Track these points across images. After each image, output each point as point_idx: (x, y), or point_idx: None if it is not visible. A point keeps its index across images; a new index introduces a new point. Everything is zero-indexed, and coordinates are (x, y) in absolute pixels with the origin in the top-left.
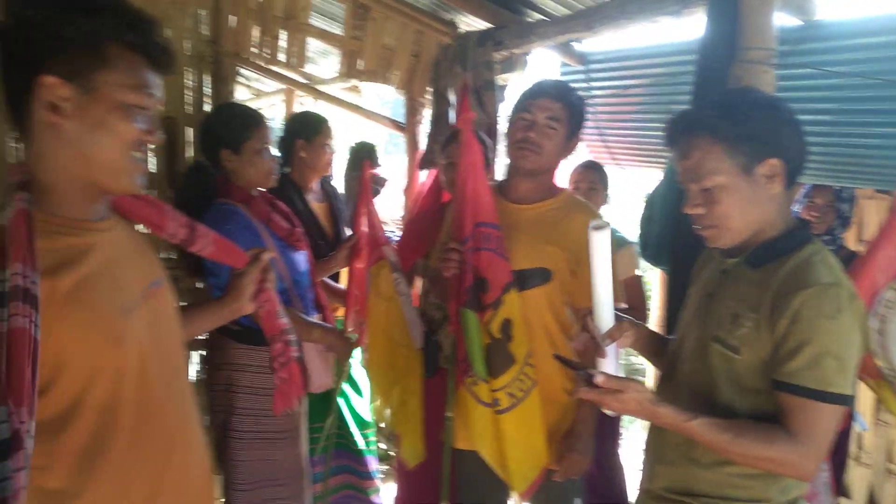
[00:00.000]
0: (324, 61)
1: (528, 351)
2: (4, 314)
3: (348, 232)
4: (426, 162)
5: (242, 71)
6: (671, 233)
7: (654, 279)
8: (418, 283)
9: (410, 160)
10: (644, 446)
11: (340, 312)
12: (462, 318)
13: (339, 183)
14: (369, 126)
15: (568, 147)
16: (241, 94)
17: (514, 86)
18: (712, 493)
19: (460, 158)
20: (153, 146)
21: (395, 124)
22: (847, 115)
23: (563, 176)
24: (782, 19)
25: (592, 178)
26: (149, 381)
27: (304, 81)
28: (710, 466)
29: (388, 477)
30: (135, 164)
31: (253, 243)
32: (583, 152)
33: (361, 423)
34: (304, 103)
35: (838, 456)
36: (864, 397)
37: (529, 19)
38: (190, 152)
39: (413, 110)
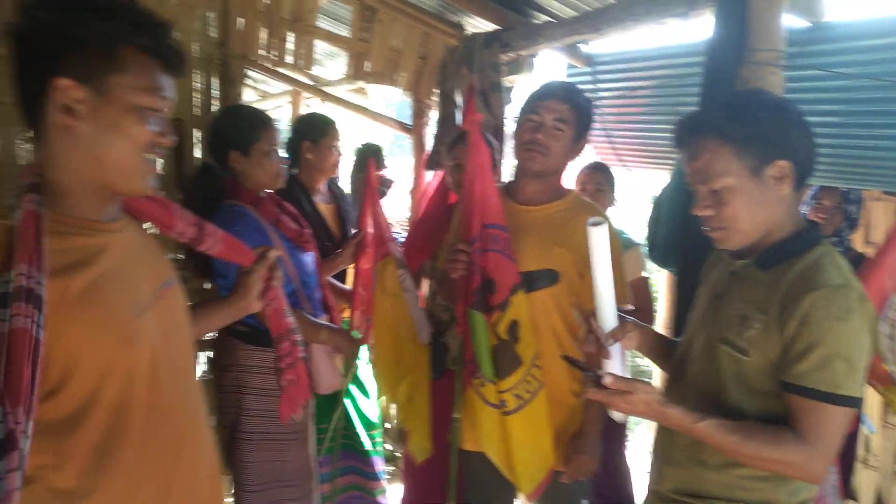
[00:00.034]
0: (330, 63)
1: (535, 352)
2: (6, 314)
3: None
4: (432, 163)
5: (249, 73)
6: (679, 234)
7: (660, 281)
8: (425, 285)
9: (417, 162)
10: (652, 448)
11: (347, 313)
12: (469, 319)
13: (345, 184)
14: (374, 128)
15: (575, 148)
16: (247, 96)
17: (520, 87)
18: (721, 495)
19: (468, 160)
20: (165, 148)
21: (402, 126)
22: (855, 116)
23: (569, 177)
24: (790, 21)
25: (599, 179)
26: (159, 382)
27: (311, 83)
28: (719, 468)
29: (394, 478)
30: (147, 166)
31: (262, 244)
32: (589, 154)
33: (368, 424)
34: (311, 105)
35: (846, 458)
36: (872, 400)
37: (536, 21)
38: (197, 154)
39: (419, 112)
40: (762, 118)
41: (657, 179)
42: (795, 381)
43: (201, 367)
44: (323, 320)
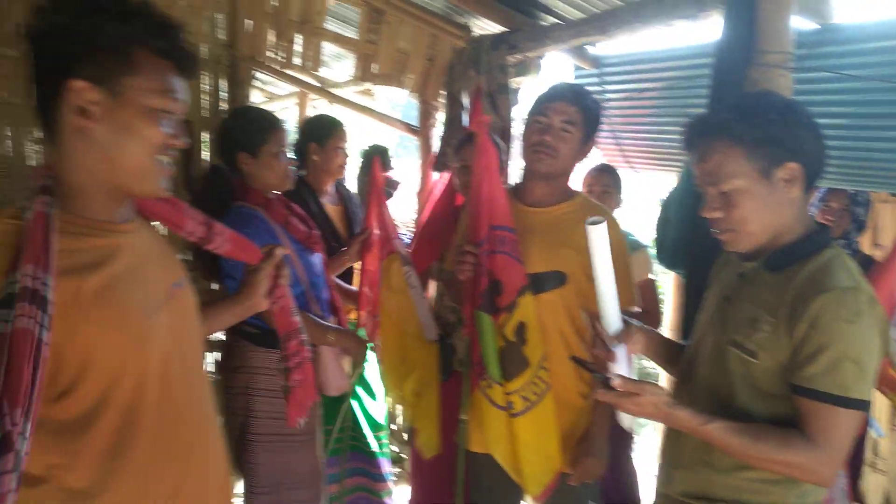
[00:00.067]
0: (337, 65)
1: (542, 354)
2: (10, 315)
3: None
4: (439, 165)
5: (257, 74)
6: (687, 236)
7: (667, 283)
8: (432, 286)
9: (423, 163)
10: (660, 450)
11: (353, 315)
12: (477, 320)
13: (352, 185)
14: (380, 129)
15: (583, 150)
16: (254, 98)
17: (527, 89)
18: (730, 498)
19: (476, 161)
20: (178, 150)
21: (409, 127)
22: (863, 118)
23: (576, 179)
24: (799, 23)
25: (606, 181)
26: (171, 382)
27: (318, 85)
28: (728, 471)
29: (400, 479)
30: (160, 168)
31: None
32: (596, 155)
33: (374, 426)
34: (318, 106)
35: (854, 462)
36: (880, 403)
37: (543, 23)
38: (205, 155)
39: (426, 114)
40: (772, 120)
41: (664, 181)
42: (805, 383)
43: (208, 369)
44: (331, 321)
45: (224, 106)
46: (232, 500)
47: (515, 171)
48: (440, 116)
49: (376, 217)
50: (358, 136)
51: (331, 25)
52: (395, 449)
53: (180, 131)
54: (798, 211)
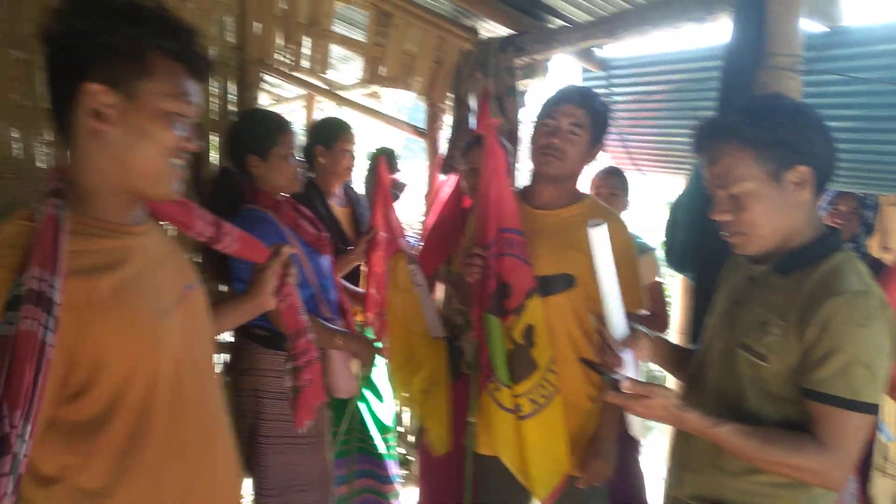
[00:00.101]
0: (344, 67)
1: (550, 357)
2: (15, 317)
3: None
4: (447, 167)
5: (265, 77)
6: (696, 239)
7: (674, 286)
8: (440, 289)
9: (431, 165)
10: (669, 453)
11: (360, 317)
12: (485, 323)
13: (360, 188)
14: (387, 131)
15: (591, 153)
16: (262, 100)
17: (534, 92)
18: (739, 502)
19: (484, 164)
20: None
21: (416, 130)
22: (872, 121)
23: (584, 182)
24: (808, 25)
25: (613, 183)
26: (182, 383)
27: (325, 87)
28: (738, 475)
29: (408, 481)
30: (173, 171)
31: None
32: (604, 158)
33: (382, 428)
34: (325, 109)
35: (863, 466)
36: (889, 407)
37: (551, 25)
38: (214, 158)
39: (434, 116)
40: (782, 123)
41: (672, 184)
42: (815, 387)
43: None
44: (339, 324)
45: (233, 108)
46: (241, 502)
47: (523, 173)
48: (447, 119)
49: (382, 217)
50: (365, 139)
51: (339, 28)
52: (402, 451)
53: (193, 134)
54: (808, 214)
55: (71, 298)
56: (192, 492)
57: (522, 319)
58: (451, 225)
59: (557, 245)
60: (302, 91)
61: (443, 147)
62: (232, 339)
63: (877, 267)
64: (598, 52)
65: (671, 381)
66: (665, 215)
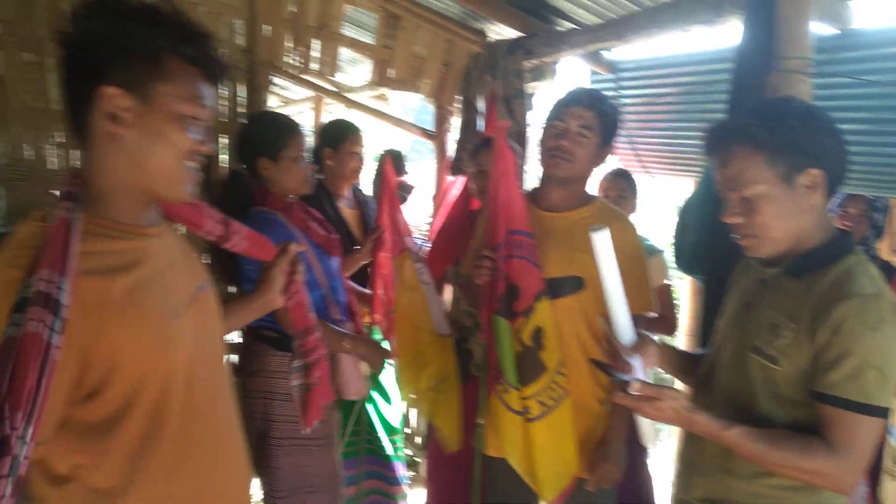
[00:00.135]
0: (352, 69)
1: (559, 359)
2: (22, 319)
3: None
4: (455, 169)
5: (273, 79)
6: (706, 241)
7: (682, 288)
8: (448, 290)
9: (439, 168)
10: (679, 456)
11: (368, 318)
12: (493, 325)
13: (368, 190)
14: (394, 133)
15: (600, 155)
16: (270, 102)
17: (543, 94)
18: None
19: (493, 166)
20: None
21: (424, 132)
22: (882, 123)
23: (592, 184)
24: (819, 28)
25: (621, 186)
26: (195, 384)
27: (333, 89)
28: (748, 478)
29: (415, 483)
30: (188, 174)
31: None
32: (612, 160)
33: (389, 429)
34: (333, 111)
35: (872, 470)
36: None
37: (559, 28)
38: (223, 160)
39: (442, 118)
40: (794, 126)
41: (681, 186)
42: (826, 390)
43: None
44: (348, 326)
45: (242, 111)
46: (252, 503)
47: (531, 175)
48: (455, 121)
49: (388, 216)
50: (373, 141)
51: (347, 31)
52: (410, 452)
53: (207, 138)
54: (819, 217)
55: (85, 299)
56: (204, 492)
57: (531, 322)
58: (459, 227)
59: (566, 247)
60: (310, 93)
61: (451, 149)
62: (241, 341)
63: (887, 270)
64: (606, 55)
65: (679, 385)
66: (674, 217)
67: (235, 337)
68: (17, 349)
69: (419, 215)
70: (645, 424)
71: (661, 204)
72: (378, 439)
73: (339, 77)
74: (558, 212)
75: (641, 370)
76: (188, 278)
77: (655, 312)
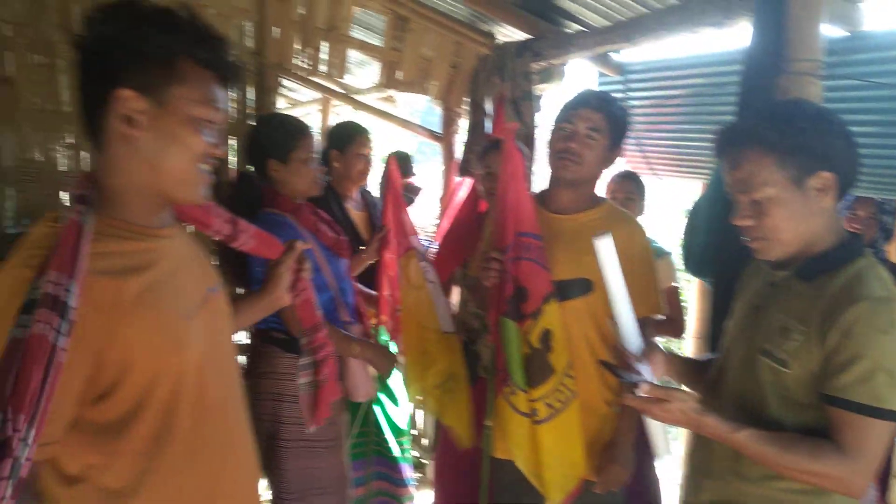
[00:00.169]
0: (360, 71)
1: (567, 362)
2: (29, 321)
3: None
4: (463, 171)
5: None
6: (715, 243)
7: (690, 290)
8: (456, 292)
9: (446, 169)
10: (688, 459)
11: (375, 320)
12: (501, 327)
13: (376, 192)
14: (400, 135)
15: (609, 157)
16: (278, 104)
17: (551, 96)
18: None
19: (502, 168)
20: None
21: (432, 134)
22: (892, 126)
23: (600, 186)
24: (829, 30)
25: (629, 188)
26: (206, 385)
27: (341, 91)
28: (759, 481)
29: (422, 484)
30: (201, 176)
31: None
32: (620, 162)
33: (397, 431)
34: (341, 113)
35: (883, 473)
36: None
37: (568, 30)
38: (232, 161)
39: (450, 120)
40: (805, 128)
41: (689, 189)
42: (837, 393)
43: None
44: (357, 328)
45: (251, 112)
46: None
47: (539, 177)
48: (463, 123)
49: (392, 216)
50: (380, 143)
51: (356, 33)
52: (417, 454)
53: (220, 140)
54: (830, 220)
55: (98, 299)
56: (214, 492)
57: (539, 324)
58: (467, 229)
59: (575, 250)
60: (318, 95)
61: (458, 151)
62: (249, 343)
63: None
64: (614, 57)
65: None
66: (682, 220)
67: (243, 338)
68: (23, 351)
69: (426, 217)
70: (654, 427)
71: (669, 206)
72: (385, 441)
73: (347, 79)
74: (567, 214)
75: (650, 376)
76: (200, 280)
77: (664, 315)
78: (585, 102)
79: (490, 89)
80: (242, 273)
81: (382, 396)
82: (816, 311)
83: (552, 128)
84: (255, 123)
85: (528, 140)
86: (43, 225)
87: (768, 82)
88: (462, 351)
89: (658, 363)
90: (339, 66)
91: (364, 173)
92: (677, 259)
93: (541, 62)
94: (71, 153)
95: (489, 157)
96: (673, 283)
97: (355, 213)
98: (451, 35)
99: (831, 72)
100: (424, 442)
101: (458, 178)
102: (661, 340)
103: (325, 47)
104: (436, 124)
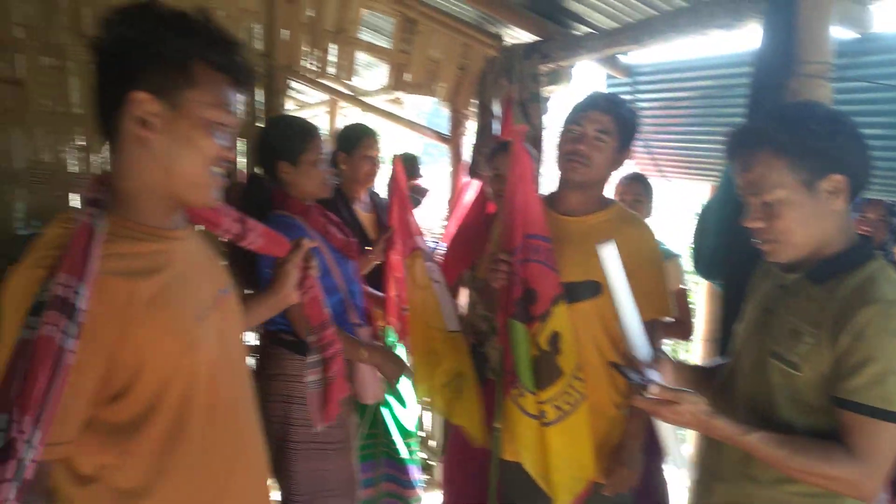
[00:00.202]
0: (368, 73)
1: (576, 364)
2: (38, 322)
3: None
4: (471, 173)
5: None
6: (725, 245)
7: (699, 292)
8: (464, 294)
9: (454, 171)
10: (698, 461)
11: (382, 322)
12: (510, 329)
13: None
14: (406, 137)
15: (618, 159)
16: (286, 106)
17: (558, 98)
18: None
19: (511, 170)
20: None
21: (439, 136)
22: None
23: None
24: (839, 32)
25: (637, 190)
26: (217, 386)
27: (349, 93)
28: (769, 484)
29: (429, 486)
30: (213, 179)
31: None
32: (628, 164)
33: (404, 433)
34: (349, 114)
35: (894, 478)
36: None
37: (576, 32)
38: (240, 163)
39: (457, 122)
40: (817, 131)
41: (698, 191)
42: (848, 396)
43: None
44: (365, 330)
45: (260, 115)
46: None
47: (547, 179)
48: (471, 125)
49: (398, 216)
50: (388, 144)
51: (364, 35)
52: (424, 456)
53: (233, 144)
54: (841, 222)
55: (111, 299)
56: (226, 492)
57: (548, 326)
58: (475, 231)
59: (584, 252)
60: (325, 96)
61: (466, 153)
62: (258, 344)
63: None
64: (622, 59)
65: None
66: (691, 222)
67: (253, 339)
68: (30, 353)
69: (433, 218)
70: (664, 429)
71: (677, 208)
72: (393, 442)
73: (355, 81)
74: (576, 216)
75: (659, 378)
76: (212, 281)
77: (672, 317)
78: (594, 104)
79: (498, 91)
80: (251, 273)
81: (390, 398)
82: (827, 314)
83: (561, 130)
84: (264, 125)
85: (536, 142)
86: (56, 226)
87: (778, 84)
88: (469, 349)
89: (666, 372)
90: (347, 68)
91: (371, 175)
92: (686, 261)
93: (549, 64)
94: (81, 155)
95: (497, 158)
96: (681, 286)
97: (363, 214)
98: (458, 37)
99: (841, 74)
100: (432, 444)
101: (465, 180)
102: (668, 343)
103: (333, 49)
104: (442, 126)
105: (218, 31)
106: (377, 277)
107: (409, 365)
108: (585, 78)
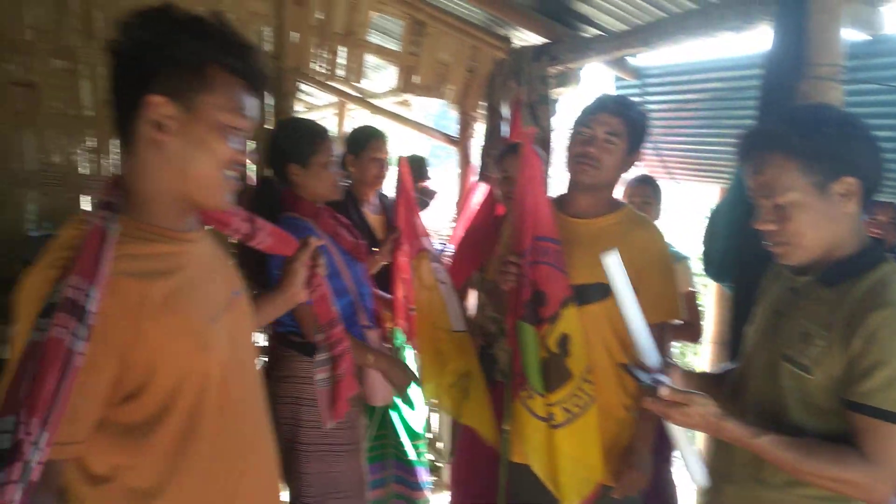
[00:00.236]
0: (376, 75)
1: (586, 366)
2: (48, 324)
3: None
4: (481, 175)
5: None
6: (736, 248)
7: (708, 295)
8: (473, 296)
9: (462, 174)
10: (707, 463)
11: (390, 324)
12: (519, 331)
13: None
14: (414, 139)
15: (628, 162)
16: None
17: (567, 100)
18: None
19: (520, 172)
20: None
21: (448, 138)
22: None
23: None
24: (850, 34)
25: (646, 192)
26: (229, 388)
27: (357, 95)
28: (780, 487)
29: (437, 488)
30: (227, 182)
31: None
32: (637, 166)
33: (412, 434)
34: (357, 117)
35: None
36: None
37: (585, 34)
38: (250, 166)
39: (466, 124)
40: (830, 133)
41: (707, 193)
42: (860, 399)
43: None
44: (375, 331)
45: (270, 117)
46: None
47: (557, 181)
48: (479, 127)
49: (404, 217)
50: (396, 147)
51: (373, 37)
52: (432, 458)
53: (247, 147)
54: (853, 225)
55: (124, 300)
56: (237, 492)
57: (557, 328)
58: (484, 233)
59: (593, 254)
60: (334, 99)
61: (474, 155)
62: (268, 345)
63: None
64: (631, 61)
65: None
66: (700, 224)
67: (262, 341)
68: (40, 355)
69: (441, 220)
70: (675, 431)
71: (686, 210)
72: (401, 444)
73: (363, 83)
74: (585, 218)
75: (669, 380)
76: (224, 284)
77: (681, 319)
78: (604, 107)
79: (507, 93)
80: (261, 274)
81: (398, 400)
82: (839, 317)
83: (570, 132)
84: (274, 128)
85: (545, 144)
86: (70, 227)
87: (789, 86)
88: (475, 349)
89: (675, 379)
90: (356, 70)
91: (380, 177)
92: (695, 263)
93: (557, 66)
94: (92, 157)
95: (506, 161)
96: (690, 288)
97: (372, 216)
98: (467, 39)
99: (852, 76)
100: (440, 446)
101: (473, 182)
102: (677, 345)
103: (342, 52)
104: (450, 128)
105: (233, 34)
106: (384, 279)
107: (415, 372)
108: (594, 80)
